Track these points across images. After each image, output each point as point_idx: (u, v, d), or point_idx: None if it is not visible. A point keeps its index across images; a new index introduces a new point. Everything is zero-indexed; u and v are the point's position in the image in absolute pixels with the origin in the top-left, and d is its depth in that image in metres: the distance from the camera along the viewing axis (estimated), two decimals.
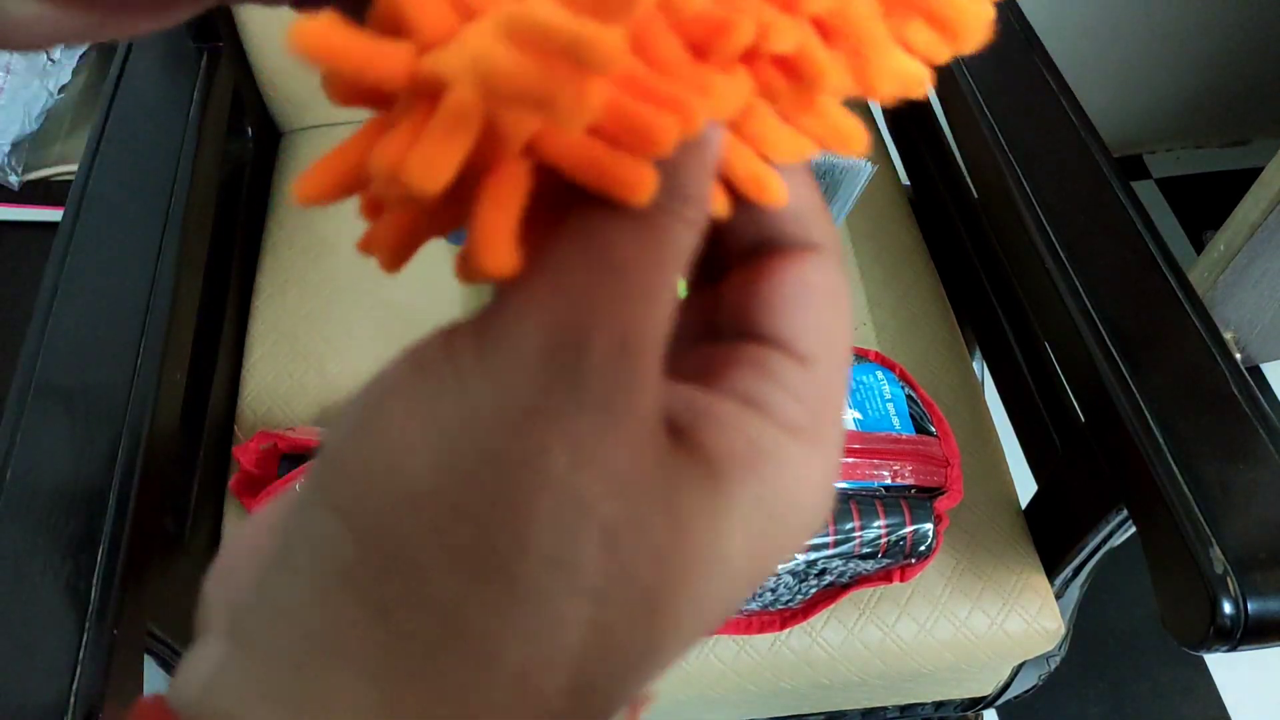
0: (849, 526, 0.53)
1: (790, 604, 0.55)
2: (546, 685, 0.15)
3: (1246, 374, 0.50)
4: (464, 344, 0.15)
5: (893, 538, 0.53)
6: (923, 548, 0.54)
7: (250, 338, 0.68)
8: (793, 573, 0.53)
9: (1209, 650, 0.43)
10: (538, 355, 0.15)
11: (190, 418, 0.60)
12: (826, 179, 0.64)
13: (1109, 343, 0.51)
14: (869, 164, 0.67)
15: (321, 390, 0.64)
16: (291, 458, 0.54)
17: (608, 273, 0.16)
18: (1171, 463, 0.46)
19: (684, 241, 0.16)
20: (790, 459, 0.17)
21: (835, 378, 0.18)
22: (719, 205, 0.18)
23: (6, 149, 1.16)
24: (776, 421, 0.17)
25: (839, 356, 0.18)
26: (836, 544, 0.53)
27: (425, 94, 0.16)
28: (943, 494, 0.55)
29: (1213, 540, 0.43)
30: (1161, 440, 0.47)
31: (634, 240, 0.16)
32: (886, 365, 0.61)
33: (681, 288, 0.18)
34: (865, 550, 0.53)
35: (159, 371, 0.52)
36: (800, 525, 0.17)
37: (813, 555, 0.53)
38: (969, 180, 0.71)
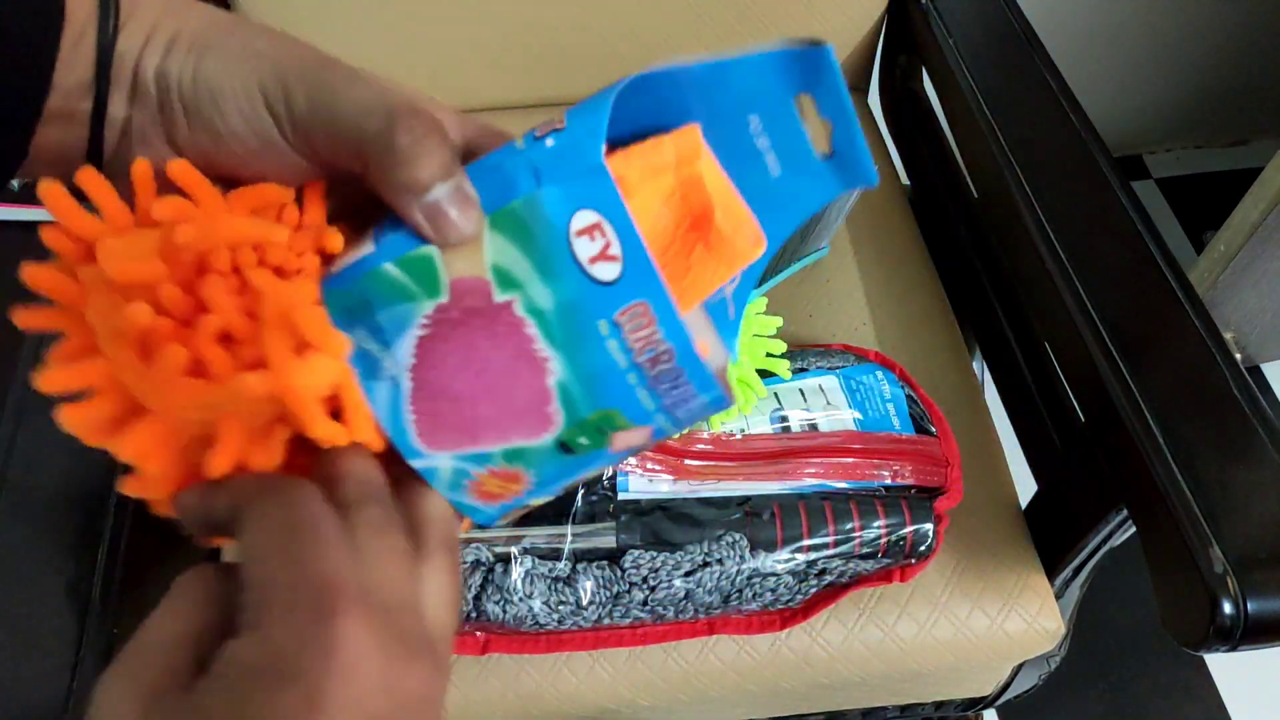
0: (849, 526, 0.53)
1: (790, 604, 0.55)
2: None
3: (1246, 374, 0.50)
4: None
5: (893, 538, 0.53)
6: (923, 548, 0.54)
7: None
8: (792, 573, 0.53)
9: (1209, 650, 0.43)
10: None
11: None
12: None
13: (1109, 343, 0.51)
14: None
15: None
16: None
17: None
18: (1171, 463, 0.46)
19: None
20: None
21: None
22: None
23: None
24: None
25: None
26: (836, 544, 0.53)
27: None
28: (943, 494, 0.55)
29: (1213, 540, 0.43)
30: (1161, 440, 0.47)
31: None
32: (886, 365, 0.61)
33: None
34: (865, 550, 0.53)
35: None
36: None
37: (813, 555, 0.53)
38: (969, 180, 0.71)
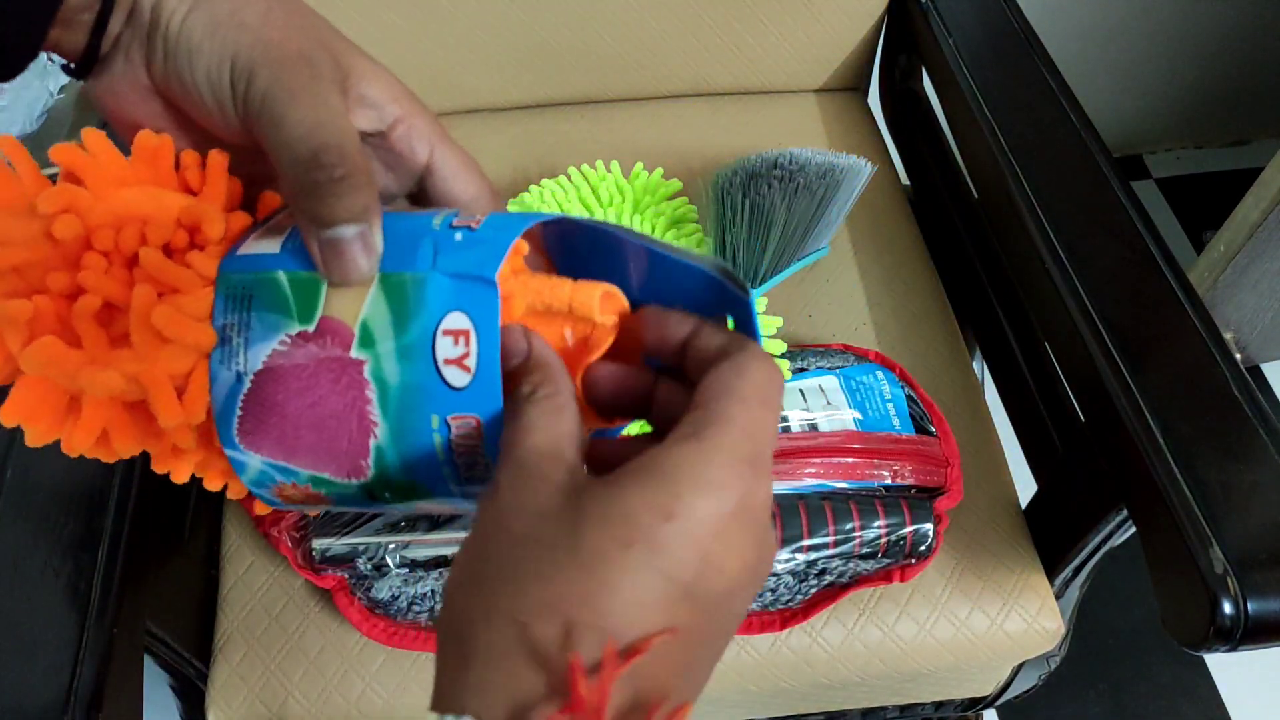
0: (849, 526, 0.53)
1: (790, 604, 0.55)
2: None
3: (1246, 374, 0.50)
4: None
5: (893, 537, 0.53)
6: (923, 548, 0.54)
7: None
8: (792, 573, 0.53)
9: (1209, 650, 0.43)
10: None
11: None
12: (827, 178, 0.64)
13: (1109, 343, 0.51)
14: (869, 164, 0.67)
15: None
16: None
17: None
18: (1171, 463, 0.46)
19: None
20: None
21: (760, 426, 0.26)
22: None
23: None
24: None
25: (758, 411, 0.26)
26: (836, 544, 0.53)
27: None
28: (943, 494, 0.55)
29: (1213, 540, 0.43)
30: (1161, 440, 0.47)
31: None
32: (886, 365, 0.61)
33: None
34: (865, 550, 0.53)
35: None
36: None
37: (813, 555, 0.53)
38: (969, 180, 0.71)
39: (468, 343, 0.26)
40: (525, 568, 0.23)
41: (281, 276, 0.28)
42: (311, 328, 0.28)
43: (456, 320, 0.26)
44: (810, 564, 0.53)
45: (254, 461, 0.30)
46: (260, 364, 0.28)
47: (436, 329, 0.27)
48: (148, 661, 0.53)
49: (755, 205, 0.61)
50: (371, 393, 0.27)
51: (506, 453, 0.26)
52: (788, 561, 0.53)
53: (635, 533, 0.23)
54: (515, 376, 0.28)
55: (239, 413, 0.29)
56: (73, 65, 0.31)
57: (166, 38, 0.30)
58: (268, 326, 0.28)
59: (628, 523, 0.23)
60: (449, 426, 0.27)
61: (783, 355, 0.59)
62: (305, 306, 0.28)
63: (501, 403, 0.26)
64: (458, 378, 0.27)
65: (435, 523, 0.52)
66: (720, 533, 0.24)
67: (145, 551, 0.47)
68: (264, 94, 0.29)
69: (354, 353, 0.27)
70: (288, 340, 0.28)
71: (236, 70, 0.29)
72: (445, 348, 0.27)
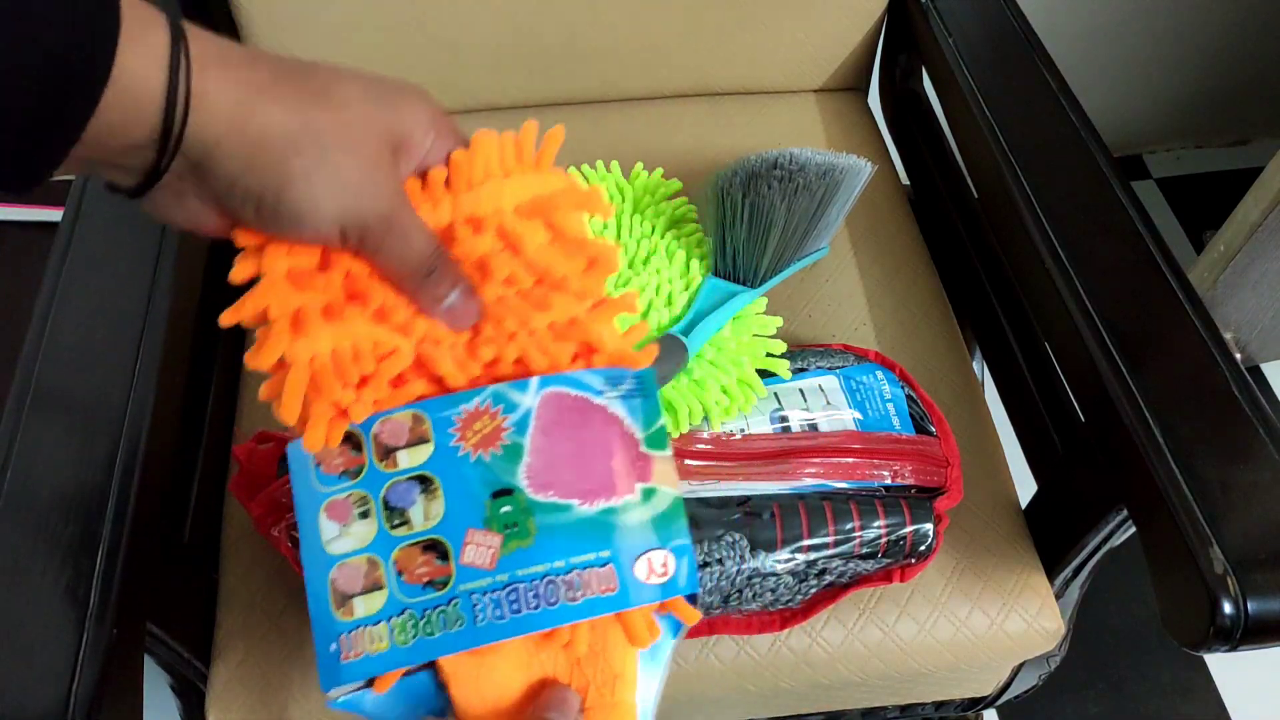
0: (849, 526, 0.53)
1: (790, 604, 0.55)
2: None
3: (1246, 374, 0.50)
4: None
5: (893, 537, 0.53)
6: (923, 547, 0.54)
7: (250, 338, 0.68)
8: (792, 573, 0.53)
9: (1209, 650, 0.43)
10: None
11: (190, 418, 0.60)
12: (827, 178, 0.64)
13: (1109, 343, 0.51)
14: (869, 164, 0.67)
15: None
16: None
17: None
18: (1171, 463, 0.46)
19: None
20: None
21: None
22: None
23: None
24: None
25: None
26: (836, 544, 0.53)
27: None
28: (943, 494, 0.55)
29: (1213, 540, 0.43)
30: (1161, 440, 0.47)
31: None
32: (886, 365, 0.61)
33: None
34: (865, 550, 0.53)
35: (159, 372, 0.52)
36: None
37: (813, 555, 0.53)
38: (969, 180, 0.71)
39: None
40: None
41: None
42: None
43: None
44: (810, 564, 0.53)
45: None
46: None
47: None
48: (148, 662, 0.53)
49: (755, 205, 0.61)
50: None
51: None
52: (788, 561, 0.52)
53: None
54: None
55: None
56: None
57: (243, 190, 0.34)
58: None
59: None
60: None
61: (783, 355, 0.59)
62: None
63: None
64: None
65: None
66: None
67: (145, 553, 0.47)
68: (360, 242, 0.36)
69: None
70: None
71: (347, 230, 0.36)
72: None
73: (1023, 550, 0.59)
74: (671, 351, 0.55)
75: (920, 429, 0.58)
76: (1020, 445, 0.66)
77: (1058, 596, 0.59)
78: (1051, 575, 0.59)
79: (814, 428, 0.57)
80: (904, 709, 0.71)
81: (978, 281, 0.71)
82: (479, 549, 0.34)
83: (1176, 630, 0.45)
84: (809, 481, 0.54)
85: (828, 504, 0.53)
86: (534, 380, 0.37)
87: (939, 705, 0.71)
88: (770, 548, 0.52)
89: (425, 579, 0.34)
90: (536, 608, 0.34)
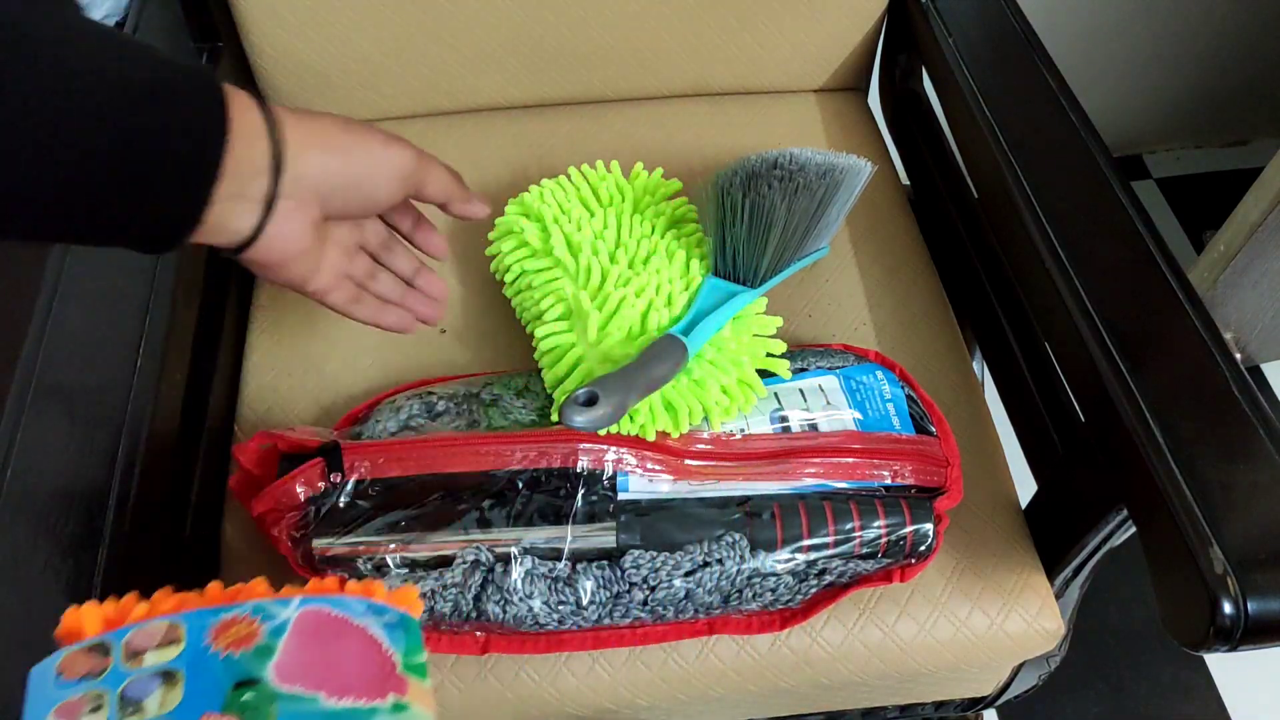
0: (849, 526, 0.53)
1: (790, 604, 0.55)
2: None
3: (1246, 374, 0.50)
4: None
5: (893, 537, 0.53)
6: (923, 548, 0.54)
7: (250, 337, 0.68)
8: (792, 573, 0.53)
9: (1209, 650, 0.43)
10: None
11: (190, 417, 0.60)
12: (827, 178, 0.64)
13: (1109, 343, 0.51)
14: (869, 164, 0.67)
15: (321, 390, 0.64)
16: (291, 458, 0.54)
17: None
18: (1171, 463, 0.46)
19: None
20: None
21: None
22: None
23: None
24: None
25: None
26: (836, 544, 0.53)
27: None
28: (943, 494, 0.55)
29: (1213, 540, 0.43)
30: (1161, 440, 0.47)
31: None
32: (887, 365, 0.61)
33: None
34: (865, 550, 0.53)
35: (159, 371, 0.52)
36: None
37: (813, 555, 0.53)
38: (969, 180, 0.71)
39: None
40: None
41: None
42: None
43: None
44: (810, 564, 0.53)
45: None
46: None
47: None
48: None
49: (755, 205, 0.61)
50: None
51: None
52: (788, 562, 0.53)
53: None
54: None
55: None
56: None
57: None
58: None
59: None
60: None
61: (783, 355, 0.59)
62: None
63: None
64: None
65: (435, 523, 0.52)
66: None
67: (145, 551, 0.47)
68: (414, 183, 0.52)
69: None
70: None
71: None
72: None
73: (1023, 550, 0.59)
74: (671, 352, 0.55)
75: (920, 429, 0.58)
76: (1020, 445, 0.66)
77: (1058, 596, 0.59)
78: (1051, 575, 0.59)
79: (814, 428, 0.57)
80: (904, 709, 0.72)
81: (978, 281, 0.71)
82: None
83: (1176, 630, 0.45)
84: (809, 481, 0.54)
85: (828, 504, 0.53)
86: (297, 598, 0.37)
87: (939, 705, 0.71)
88: (770, 548, 0.52)
89: None
90: None
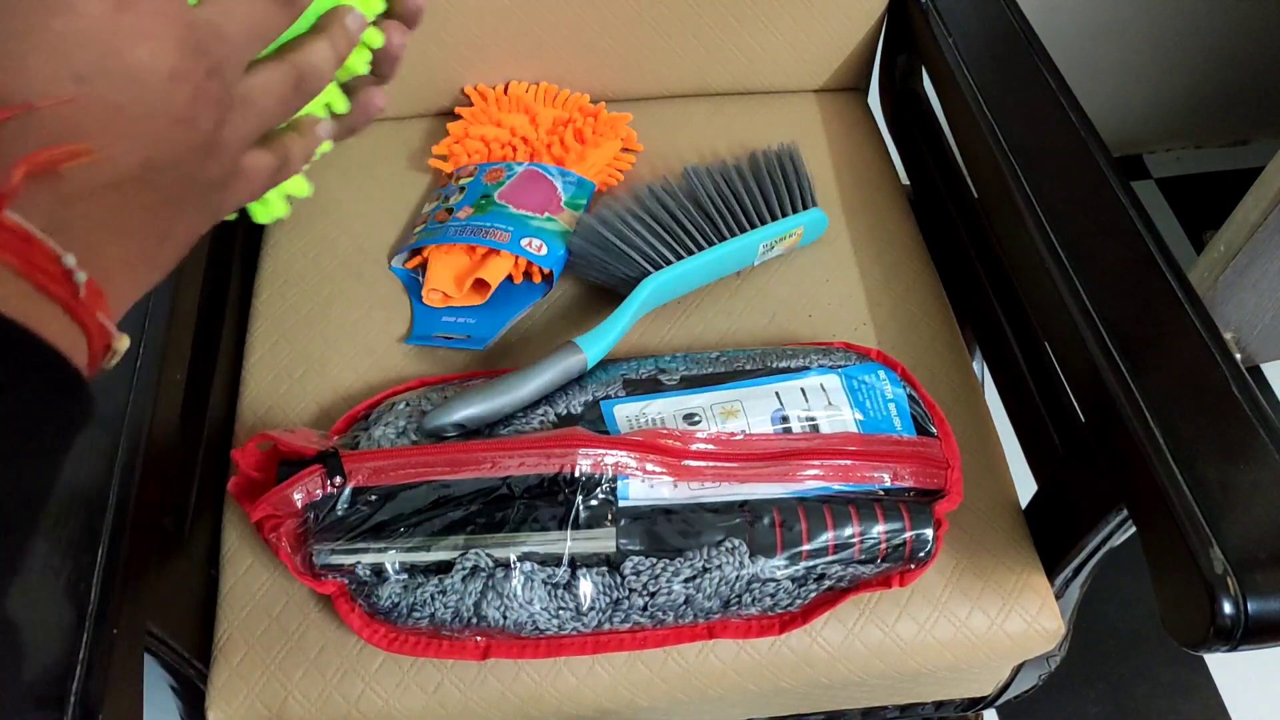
0: (848, 532, 0.53)
1: (790, 608, 0.55)
2: None
3: (1246, 374, 0.50)
4: None
5: (892, 542, 0.53)
6: (922, 553, 0.54)
7: (250, 338, 0.68)
8: (792, 578, 0.53)
9: (1209, 650, 0.43)
10: None
11: (190, 418, 0.60)
12: (759, 158, 0.64)
13: (1109, 343, 0.51)
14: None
15: (321, 391, 0.64)
16: (290, 462, 0.54)
17: None
18: (1171, 463, 0.46)
19: None
20: None
21: None
22: None
23: None
24: None
25: None
26: (836, 549, 0.53)
27: None
28: (943, 497, 0.55)
29: (1213, 540, 0.43)
30: (1161, 440, 0.47)
31: None
32: (889, 364, 0.61)
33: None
34: (864, 555, 0.53)
35: (159, 372, 0.52)
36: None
37: (812, 561, 0.53)
38: (969, 180, 0.71)
39: None
40: None
41: None
42: None
43: None
44: (809, 569, 0.53)
45: None
46: None
47: None
48: (148, 662, 0.53)
49: (723, 174, 0.68)
50: None
51: None
52: (787, 567, 0.52)
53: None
54: None
55: None
56: None
57: None
58: None
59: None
60: None
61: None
62: None
63: None
64: None
65: (435, 530, 0.52)
66: (118, 26, 0.26)
67: (145, 552, 0.47)
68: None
69: None
70: None
71: None
72: None
73: (1023, 550, 0.59)
74: (566, 361, 0.58)
75: (921, 429, 0.58)
76: (1020, 445, 0.66)
77: (1058, 596, 0.59)
78: (1051, 575, 0.59)
79: (815, 427, 0.57)
80: (904, 709, 0.71)
81: (978, 281, 0.71)
82: (467, 209, 0.69)
83: (1176, 630, 0.45)
84: (809, 484, 0.54)
85: (827, 508, 0.53)
86: (525, 163, 0.72)
87: (939, 705, 0.71)
88: (770, 553, 0.52)
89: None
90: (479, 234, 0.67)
